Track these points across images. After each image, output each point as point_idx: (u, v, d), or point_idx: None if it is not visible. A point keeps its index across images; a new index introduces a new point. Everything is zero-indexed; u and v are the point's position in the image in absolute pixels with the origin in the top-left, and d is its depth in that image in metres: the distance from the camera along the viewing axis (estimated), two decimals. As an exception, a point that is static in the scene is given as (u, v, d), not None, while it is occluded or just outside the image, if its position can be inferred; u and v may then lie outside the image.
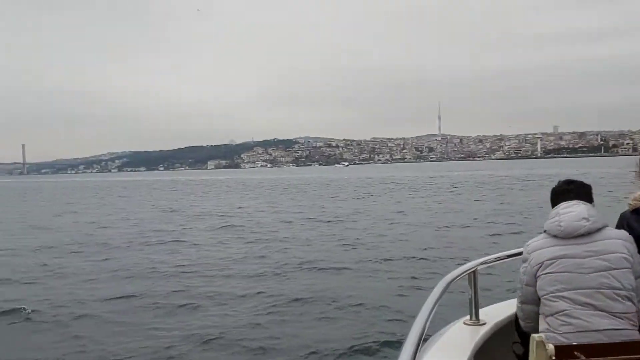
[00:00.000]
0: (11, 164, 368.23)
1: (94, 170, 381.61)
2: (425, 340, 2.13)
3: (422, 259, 12.70)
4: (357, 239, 16.41)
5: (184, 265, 12.99)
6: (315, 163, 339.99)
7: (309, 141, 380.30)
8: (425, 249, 14.04)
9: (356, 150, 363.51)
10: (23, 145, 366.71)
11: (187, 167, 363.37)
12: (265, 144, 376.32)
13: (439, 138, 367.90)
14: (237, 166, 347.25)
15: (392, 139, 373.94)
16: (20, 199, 52.91)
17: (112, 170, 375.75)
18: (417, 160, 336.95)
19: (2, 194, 68.59)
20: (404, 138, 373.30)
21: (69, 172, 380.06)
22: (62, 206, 39.31)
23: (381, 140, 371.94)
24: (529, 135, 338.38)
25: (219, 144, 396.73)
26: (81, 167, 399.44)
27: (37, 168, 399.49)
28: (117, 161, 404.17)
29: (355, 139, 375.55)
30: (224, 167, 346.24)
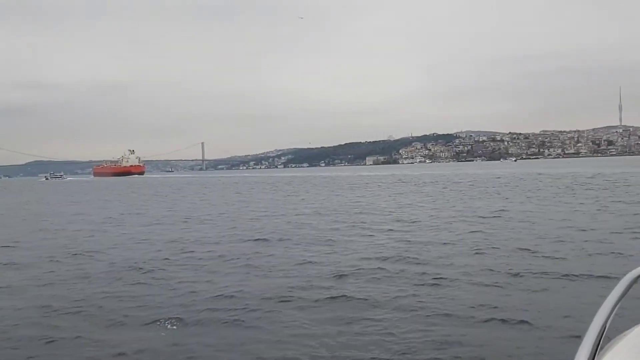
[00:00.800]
0: (192, 160, 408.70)
1: (262, 166, 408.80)
2: (605, 342, 1.89)
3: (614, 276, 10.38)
4: (536, 245, 14.24)
5: (339, 267, 12.19)
6: (478, 158, 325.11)
7: (470, 135, 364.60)
8: (620, 264, 11.57)
9: (523, 145, 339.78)
10: (202, 144, 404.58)
11: (346, 163, 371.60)
12: (424, 139, 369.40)
13: (620, 130, 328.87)
14: (395, 162, 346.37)
15: (564, 131, 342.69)
16: (201, 192, 57.28)
17: (279, 167, 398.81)
18: (594, 154, 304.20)
19: (186, 187, 75.36)
20: (577, 130, 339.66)
21: (241, 167, 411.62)
22: (234, 200, 41.64)
23: (552, 133, 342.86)
24: None
25: (377, 140, 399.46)
26: (251, 163, 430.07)
27: (214, 164, 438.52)
28: (282, 158, 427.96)
29: (522, 132, 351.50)
30: (382, 162, 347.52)
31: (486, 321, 7.98)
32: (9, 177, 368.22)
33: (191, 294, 10.20)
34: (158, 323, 8.45)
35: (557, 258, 12.30)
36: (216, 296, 9.96)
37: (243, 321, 8.48)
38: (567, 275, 10.52)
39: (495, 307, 8.59)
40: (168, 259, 14.18)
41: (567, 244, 14.16)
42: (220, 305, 9.34)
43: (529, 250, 13.47)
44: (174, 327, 8.29)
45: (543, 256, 12.62)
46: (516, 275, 10.75)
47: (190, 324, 8.39)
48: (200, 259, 14.16)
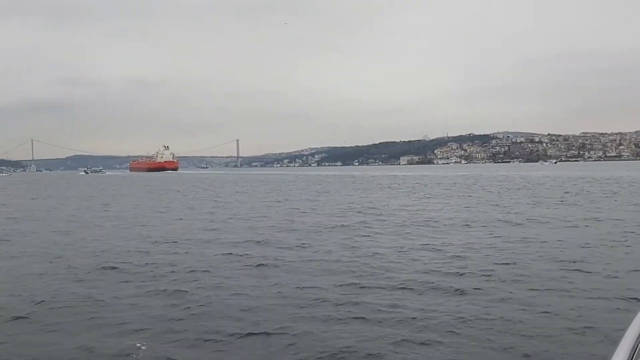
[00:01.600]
0: (227, 157, 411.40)
1: (296, 164, 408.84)
2: None
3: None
4: (584, 258, 12.74)
5: (363, 278, 11.02)
6: (515, 160, 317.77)
7: (508, 136, 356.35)
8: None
9: (562, 147, 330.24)
10: (237, 141, 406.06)
11: (380, 163, 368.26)
12: (460, 140, 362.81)
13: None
14: (430, 162, 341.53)
15: (605, 133, 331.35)
16: (232, 189, 56.82)
17: (312, 165, 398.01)
18: (637, 158, 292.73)
19: (220, 184, 75.23)
20: (620, 133, 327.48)
21: (275, 165, 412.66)
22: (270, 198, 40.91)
23: (592, 135, 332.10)
24: None
25: (412, 139, 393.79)
26: (285, 161, 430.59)
27: (249, 161, 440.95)
28: (316, 156, 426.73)
29: (561, 133, 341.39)
30: (417, 162, 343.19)
31: (524, 357, 6.69)
32: (50, 170, 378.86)
33: (194, 306, 9.17)
34: (150, 340, 7.45)
35: (611, 277, 10.78)
36: (223, 309, 8.93)
37: (247, 342, 7.44)
38: (624, 297, 9.09)
39: (538, 339, 7.29)
40: (178, 263, 13.23)
41: (621, 259, 12.62)
42: (225, 323, 8.30)
43: (576, 262, 12.05)
44: (174, 345, 7.28)
45: (594, 271, 11.19)
46: (563, 295, 9.39)
47: (188, 345, 7.37)
48: (211, 265, 13.08)
